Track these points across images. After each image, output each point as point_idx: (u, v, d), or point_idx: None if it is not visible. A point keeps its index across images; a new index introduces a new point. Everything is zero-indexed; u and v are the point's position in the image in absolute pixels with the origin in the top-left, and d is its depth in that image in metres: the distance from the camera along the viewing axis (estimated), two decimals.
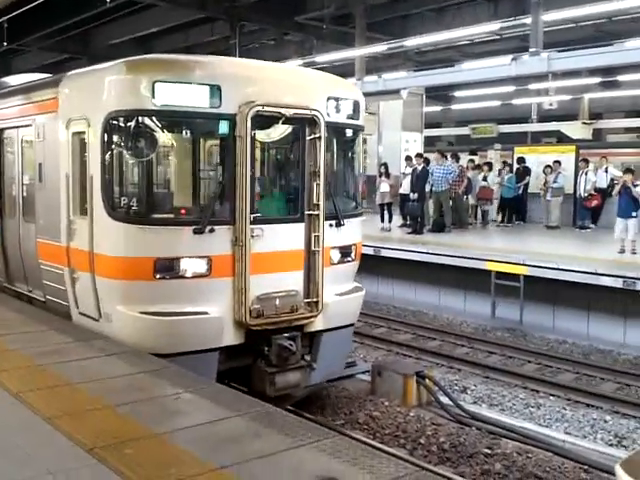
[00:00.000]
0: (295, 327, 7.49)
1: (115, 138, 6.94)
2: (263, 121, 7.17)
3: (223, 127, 7.07)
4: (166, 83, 6.68)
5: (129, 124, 6.81)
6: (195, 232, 6.79)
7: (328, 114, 7.64)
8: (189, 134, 7.26)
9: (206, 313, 6.91)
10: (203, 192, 7.40)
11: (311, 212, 7.50)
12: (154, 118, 6.81)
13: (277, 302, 7.29)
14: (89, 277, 7.15)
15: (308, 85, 7.86)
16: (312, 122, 7.41)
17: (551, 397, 9.69)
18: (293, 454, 4.08)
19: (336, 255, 7.93)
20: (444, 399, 8.80)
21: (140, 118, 6.79)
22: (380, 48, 23.56)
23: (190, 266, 6.80)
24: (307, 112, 7.34)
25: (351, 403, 8.53)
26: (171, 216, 7.12)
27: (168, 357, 6.39)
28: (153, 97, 6.61)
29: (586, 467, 7.01)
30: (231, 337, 7.11)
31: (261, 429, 4.47)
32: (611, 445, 8.08)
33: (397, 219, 19.29)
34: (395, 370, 9.02)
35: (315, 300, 7.53)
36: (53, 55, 30.83)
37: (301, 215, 7.53)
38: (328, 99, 7.74)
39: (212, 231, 6.85)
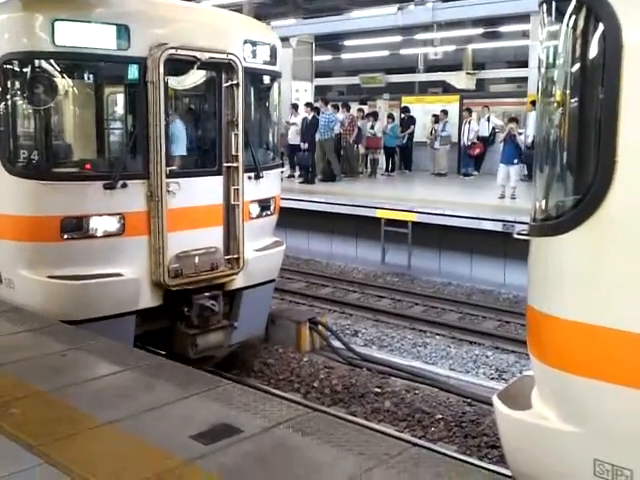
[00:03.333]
0: (215, 286, 7.25)
1: (10, 84, 6.27)
2: (176, 66, 6.73)
3: (132, 72, 6.54)
4: (67, 22, 6.06)
5: (26, 68, 6.16)
6: (106, 187, 6.28)
7: (245, 59, 7.22)
8: (94, 79, 6.75)
9: (120, 275, 6.51)
10: (114, 144, 6.95)
11: (229, 164, 7.18)
12: (54, 61, 6.19)
13: (196, 260, 6.99)
14: None
15: (224, 27, 7.39)
16: (229, 67, 7.02)
17: (437, 336, 10.14)
18: (185, 404, 4.10)
19: (255, 209, 7.68)
20: (336, 343, 9.05)
21: (38, 61, 6.15)
22: None
23: (101, 224, 6.35)
24: (224, 56, 6.94)
25: (245, 352, 8.59)
26: (78, 170, 6.59)
27: (81, 323, 6.06)
28: (53, 38, 5.98)
29: (469, 400, 7.40)
30: (148, 299, 6.76)
31: (152, 382, 4.45)
32: (492, 379, 8.54)
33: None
34: (288, 318, 9.15)
35: (236, 257, 7.30)
36: None
37: (219, 167, 7.19)
38: (245, 42, 7.31)
39: (124, 186, 6.38)
